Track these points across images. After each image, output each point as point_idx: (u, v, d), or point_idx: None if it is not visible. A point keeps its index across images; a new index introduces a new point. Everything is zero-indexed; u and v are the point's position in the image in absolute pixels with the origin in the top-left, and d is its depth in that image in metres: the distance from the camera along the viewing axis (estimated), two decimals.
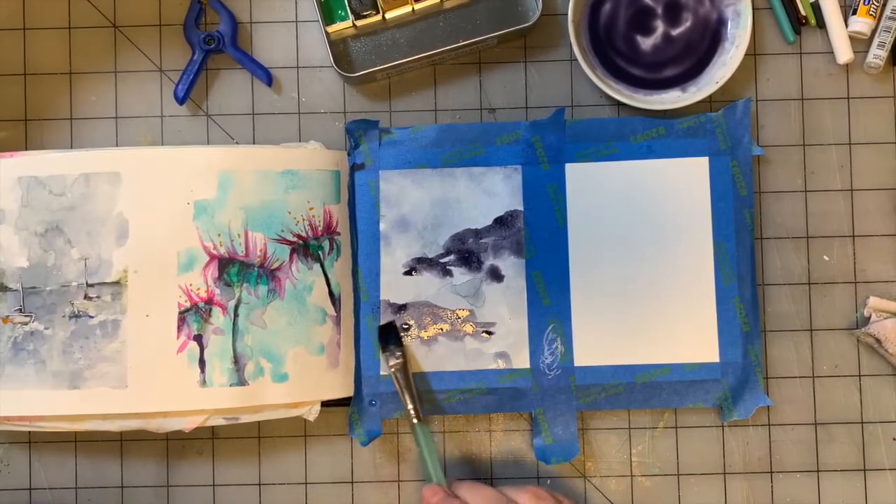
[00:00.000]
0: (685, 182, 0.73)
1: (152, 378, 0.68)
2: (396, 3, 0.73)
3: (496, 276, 0.73)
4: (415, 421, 0.69)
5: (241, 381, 0.68)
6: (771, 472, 0.73)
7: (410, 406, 0.69)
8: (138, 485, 0.73)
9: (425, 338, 0.72)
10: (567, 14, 0.72)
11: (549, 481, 0.73)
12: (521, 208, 0.73)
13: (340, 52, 0.74)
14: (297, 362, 0.69)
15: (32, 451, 0.74)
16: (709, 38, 0.74)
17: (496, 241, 0.73)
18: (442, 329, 0.72)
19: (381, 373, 0.72)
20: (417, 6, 0.73)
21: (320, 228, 0.71)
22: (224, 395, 0.68)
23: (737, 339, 0.72)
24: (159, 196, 0.69)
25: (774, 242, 0.74)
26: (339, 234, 0.72)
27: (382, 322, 0.72)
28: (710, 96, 0.73)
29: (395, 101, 0.75)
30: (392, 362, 0.70)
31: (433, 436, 0.72)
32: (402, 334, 0.72)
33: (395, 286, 0.73)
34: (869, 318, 0.73)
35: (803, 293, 0.74)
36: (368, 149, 0.73)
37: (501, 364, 0.72)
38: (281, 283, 0.69)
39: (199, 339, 0.68)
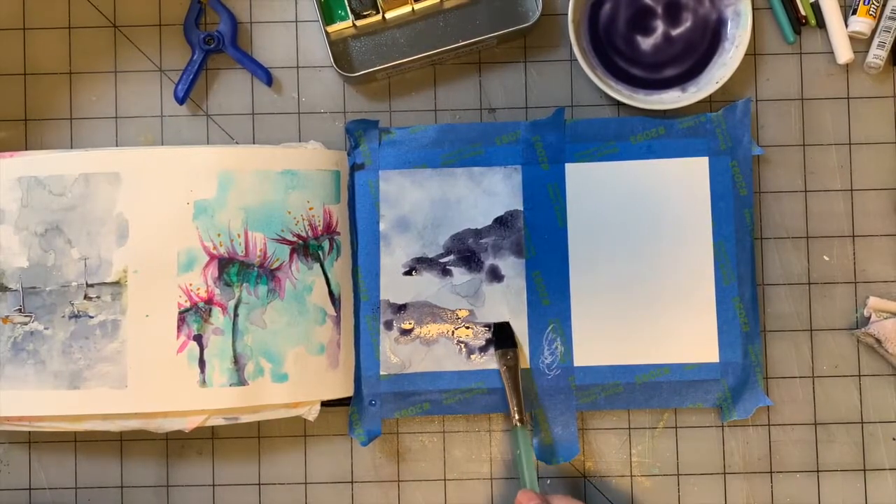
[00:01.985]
0: (685, 182, 0.73)
1: (152, 378, 0.68)
2: (396, 3, 0.73)
3: (496, 276, 0.73)
4: (517, 424, 0.69)
5: (241, 381, 0.68)
6: (771, 472, 0.73)
7: (515, 408, 0.69)
8: (138, 485, 0.73)
9: (425, 338, 0.72)
10: (567, 14, 0.72)
11: (549, 481, 0.73)
12: (521, 208, 0.73)
13: (340, 52, 0.74)
14: (297, 362, 0.69)
15: (32, 451, 0.74)
16: (709, 38, 0.74)
17: (496, 241, 0.73)
18: (442, 329, 0.72)
19: (381, 372, 0.72)
20: (417, 6, 0.73)
21: (320, 228, 0.71)
22: (224, 395, 0.68)
23: (737, 339, 0.72)
24: (159, 196, 0.69)
25: (774, 242, 0.74)
26: (338, 234, 0.72)
27: (498, 322, 0.72)
28: (710, 96, 0.73)
29: (395, 101, 0.75)
30: (503, 361, 0.70)
31: (532, 441, 0.71)
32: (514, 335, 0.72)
33: (395, 286, 0.73)
34: (869, 318, 0.73)
35: (803, 293, 0.74)
36: (368, 149, 0.73)
37: None
38: (281, 283, 0.69)
39: (198, 339, 0.68)
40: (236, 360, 0.68)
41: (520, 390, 0.70)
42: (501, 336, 0.72)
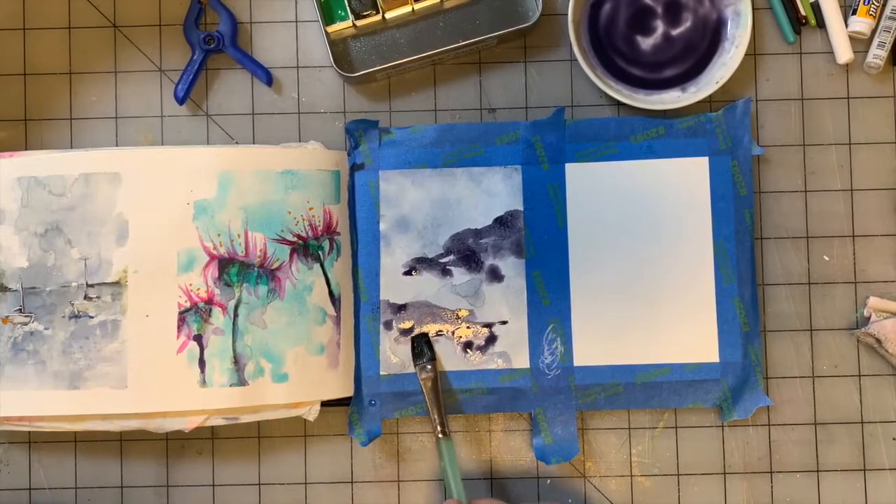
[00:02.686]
0: (685, 182, 0.73)
1: (152, 378, 0.68)
2: (396, 3, 0.73)
3: (496, 276, 0.73)
4: (440, 436, 0.69)
5: (241, 382, 0.68)
6: (771, 472, 0.73)
7: (437, 420, 0.69)
8: (138, 485, 0.73)
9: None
10: (567, 14, 0.72)
11: (549, 481, 0.73)
12: (521, 208, 0.73)
13: (340, 52, 0.74)
14: (297, 362, 0.69)
15: (32, 451, 0.74)
16: (709, 38, 0.74)
17: (496, 241, 0.73)
18: (442, 329, 0.72)
19: (381, 372, 0.72)
20: (417, 6, 0.73)
21: (320, 228, 0.71)
22: (224, 395, 0.68)
23: (737, 339, 0.72)
24: (159, 196, 0.69)
25: (774, 242, 0.74)
26: (338, 234, 0.72)
27: (415, 333, 0.72)
28: (710, 96, 0.73)
29: (395, 101, 0.75)
30: (423, 374, 0.71)
31: (456, 451, 0.72)
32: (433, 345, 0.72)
33: (395, 286, 0.73)
34: (869, 318, 0.73)
35: (803, 293, 0.74)
36: (368, 149, 0.73)
37: (501, 364, 0.72)
38: (281, 283, 0.69)
39: (199, 339, 0.68)
40: (236, 360, 0.68)
41: (441, 402, 0.70)
42: (419, 348, 0.71)
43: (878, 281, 0.74)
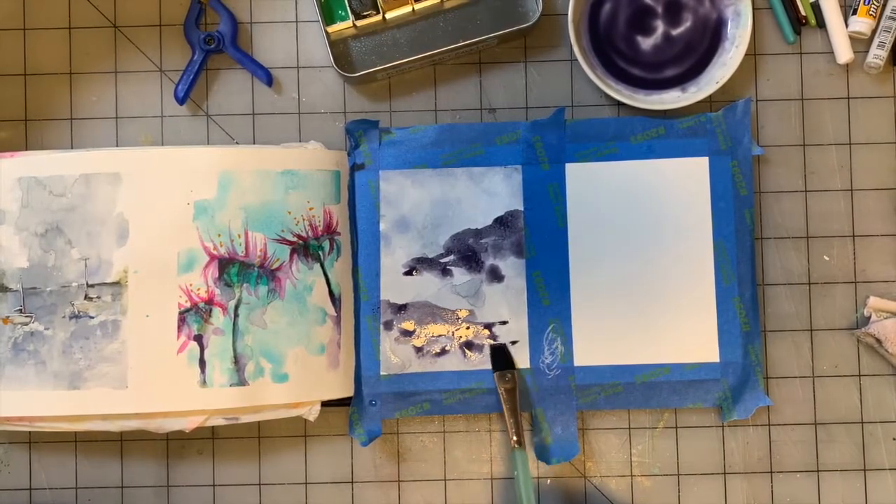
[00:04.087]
0: (685, 182, 0.73)
1: (152, 378, 0.68)
2: (396, 3, 0.73)
3: (496, 276, 0.73)
4: (516, 446, 0.69)
5: (242, 382, 0.68)
6: (771, 472, 0.74)
7: (513, 429, 0.70)
8: (138, 485, 0.73)
9: (425, 338, 0.72)
10: (567, 14, 0.72)
11: (549, 481, 0.73)
12: (521, 208, 0.73)
13: (340, 52, 0.74)
14: (298, 362, 0.69)
15: (32, 451, 0.74)
16: (709, 38, 0.74)
17: (496, 241, 0.73)
18: (442, 329, 0.72)
19: (382, 372, 0.72)
20: (417, 6, 0.73)
21: (320, 228, 0.71)
22: (224, 395, 0.68)
23: (737, 339, 0.72)
24: (159, 196, 0.69)
25: (774, 242, 0.74)
26: (339, 234, 0.72)
27: (494, 344, 0.72)
28: (710, 96, 0.73)
29: (395, 101, 0.75)
30: (503, 384, 0.71)
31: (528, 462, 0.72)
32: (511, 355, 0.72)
33: (395, 286, 0.73)
34: (869, 317, 0.73)
35: (803, 293, 0.74)
36: (368, 149, 0.73)
37: None
38: (281, 283, 0.69)
39: (199, 339, 0.68)
40: (236, 360, 0.68)
41: (518, 412, 0.70)
42: (499, 358, 0.72)
43: (879, 281, 0.74)
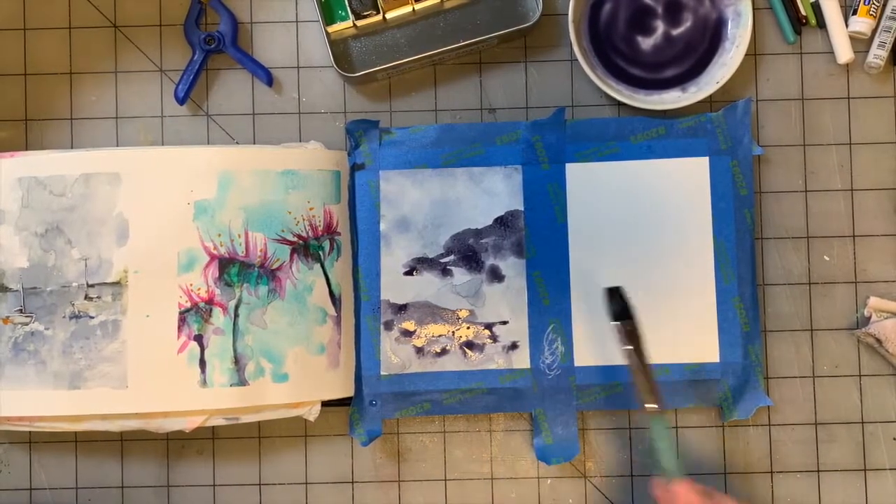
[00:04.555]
0: (685, 182, 0.73)
1: (153, 378, 0.68)
2: (397, 3, 0.73)
3: (496, 276, 0.73)
4: (655, 411, 0.60)
5: (242, 382, 0.68)
6: (771, 472, 0.73)
7: (649, 391, 0.61)
8: (138, 485, 0.73)
9: (426, 338, 0.72)
10: (567, 14, 0.72)
11: (549, 481, 0.73)
12: (521, 208, 0.73)
13: (341, 52, 0.74)
14: (298, 362, 0.69)
15: (32, 451, 0.74)
16: (709, 38, 0.74)
17: (496, 241, 0.73)
18: (442, 329, 0.72)
19: (382, 372, 0.72)
20: (418, 6, 0.73)
21: (320, 228, 0.71)
22: (224, 395, 0.68)
23: (737, 339, 0.72)
24: (159, 196, 0.69)
25: (774, 242, 0.74)
26: (339, 234, 0.72)
27: (610, 286, 0.63)
28: (711, 96, 0.73)
29: (396, 101, 0.75)
30: (625, 336, 0.61)
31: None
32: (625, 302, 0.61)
33: (395, 286, 0.73)
34: (869, 318, 0.73)
35: (803, 293, 0.74)
36: (369, 149, 0.73)
37: (501, 364, 0.72)
38: (281, 283, 0.69)
39: (199, 339, 0.68)
40: (237, 360, 0.68)
41: (649, 370, 0.61)
42: (616, 303, 0.65)
43: (879, 281, 0.74)
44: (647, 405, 0.61)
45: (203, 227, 0.69)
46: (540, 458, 0.72)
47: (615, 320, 0.65)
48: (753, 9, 0.72)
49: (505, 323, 0.72)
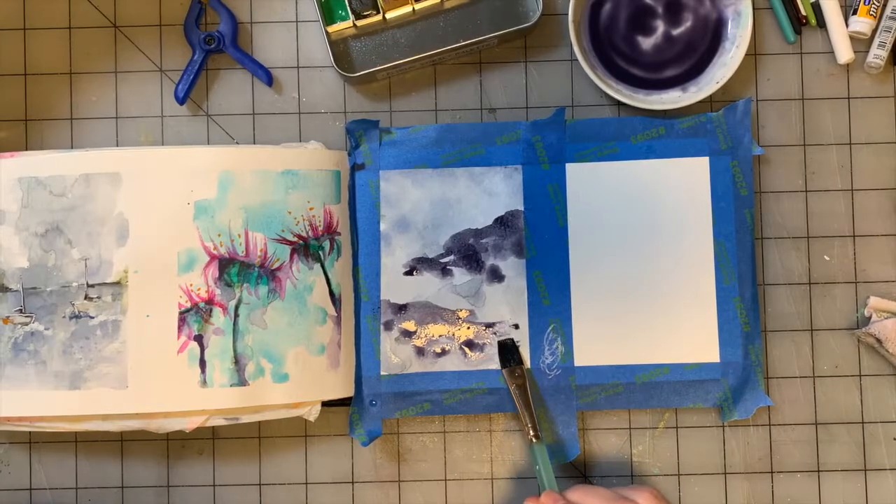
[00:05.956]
0: (685, 182, 0.73)
1: (153, 378, 0.68)
2: (397, 3, 0.73)
3: (497, 276, 0.73)
4: (534, 440, 0.69)
5: (242, 382, 0.68)
6: (771, 472, 0.73)
7: (529, 424, 0.69)
8: (138, 485, 0.73)
9: (426, 338, 0.72)
10: (567, 14, 0.72)
11: None
12: (521, 208, 0.73)
13: (341, 52, 0.74)
14: (298, 362, 0.69)
15: (32, 451, 0.74)
16: (709, 38, 0.74)
17: (497, 241, 0.73)
18: (442, 329, 0.72)
19: (382, 373, 0.72)
20: (418, 6, 0.73)
21: (321, 228, 0.71)
22: (224, 395, 0.68)
23: (737, 339, 0.72)
24: (159, 196, 0.69)
25: (775, 242, 0.74)
26: (339, 234, 0.72)
27: (502, 339, 0.72)
28: (711, 96, 0.73)
29: (396, 101, 0.75)
30: (513, 380, 0.70)
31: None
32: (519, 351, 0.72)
33: (395, 286, 0.73)
34: (869, 318, 0.73)
35: (804, 293, 0.74)
36: (369, 149, 0.73)
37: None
38: (281, 283, 0.69)
39: (199, 339, 0.68)
40: (237, 360, 0.68)
41: (531, 406, 0.70)
42: (507, 354, 0.71)
43: (879, 281, 0.74)
44: (531, 436, 0.69)
45: (203, 227, 0.69)
46: None
47: (504, 367, 0.71)
48: (753, 9, 0.72)
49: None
